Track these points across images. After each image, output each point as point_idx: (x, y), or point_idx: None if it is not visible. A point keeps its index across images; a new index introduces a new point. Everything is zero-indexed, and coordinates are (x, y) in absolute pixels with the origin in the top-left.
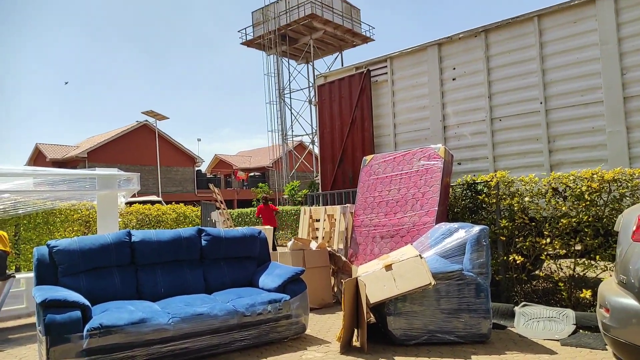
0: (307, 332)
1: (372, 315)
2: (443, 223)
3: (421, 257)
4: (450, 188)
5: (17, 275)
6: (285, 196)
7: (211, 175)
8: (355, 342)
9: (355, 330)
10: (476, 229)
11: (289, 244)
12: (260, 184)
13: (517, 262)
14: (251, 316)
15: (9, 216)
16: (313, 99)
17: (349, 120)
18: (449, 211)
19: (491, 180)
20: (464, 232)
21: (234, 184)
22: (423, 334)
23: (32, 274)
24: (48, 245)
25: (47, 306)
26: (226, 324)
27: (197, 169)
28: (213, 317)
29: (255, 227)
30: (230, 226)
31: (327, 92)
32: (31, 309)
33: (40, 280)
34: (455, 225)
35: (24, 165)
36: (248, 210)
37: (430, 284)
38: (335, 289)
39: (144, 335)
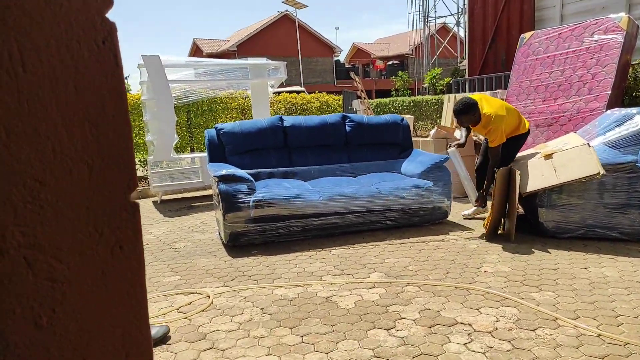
0: (449, 219)
1: (519, 207)
2: (617, 109)
3: (589, 146)
4: (630, 67)
5: (193, 155)
6: (426, 85)
7: (350, 65)
8: (500, 232)
9: (502, 219)
10: None
11: (432, 132)
12: (399, 72)
13: None
14: (394, 200)
15: (181, 103)
16: None
17: None
18: (626, 95)
19: None
20: None
21: (372, 74)
22: (579, 228)
23: (204, 154)
24: (216, 128)
25: (221, 179)
26: (370, 204)
27: (335, 59)
28: (358, 197)
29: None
30: (371, 115)
31: None
32: (206, 183)
33: (212, 158)
34: (634, 110)
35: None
36: (387, 100)
37: (599, 173)
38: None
39: (299, 209)
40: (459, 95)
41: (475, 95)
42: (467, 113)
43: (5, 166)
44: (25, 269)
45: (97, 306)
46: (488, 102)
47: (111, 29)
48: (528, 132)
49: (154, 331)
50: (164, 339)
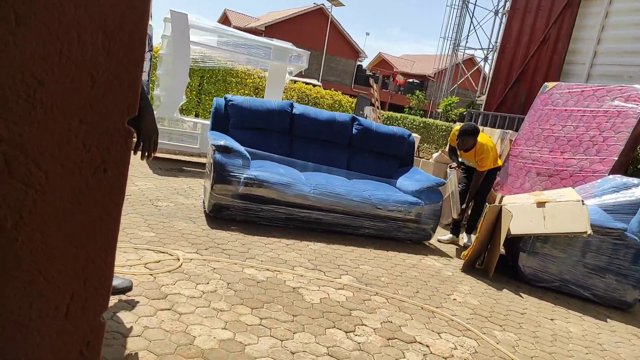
0: (431, 242)
1: (502, 247)
2: (618, 175)
3: (583, 203)
4: None
5: (196, 120)
6: (440, 110)
7: (370, 73)
8: (478, 266)
9: (483, 255)
10: None
11: (435, 155)
12: (417, 92)
13: None
14: (382, 210)
15: (197, 67)
16: (501, 9)
17: (539, 38)
18: (631, 166)
19: None
20: None
21: (390, 86)
22: (555, 280)
23: (207, 122)
24: (225, 98)
25: (218, 149)
26: (358, 210)
27: (358, 63)
28: (348, 199)
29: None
30: None
31: (523, 1)
32: (202, 150)
33: (215, 127)
34: (635, 180)
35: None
36: (398, 115)
37: (586, 232)
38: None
39: (287, 196)
40: None
41: None
42: (473, 135)
43: (8, 54)
44: (2, 166)
45: (67, 224)
46: (480, 134)
47: None
48: (500, 167)
49: (119, 281)
50: (124, 291)
